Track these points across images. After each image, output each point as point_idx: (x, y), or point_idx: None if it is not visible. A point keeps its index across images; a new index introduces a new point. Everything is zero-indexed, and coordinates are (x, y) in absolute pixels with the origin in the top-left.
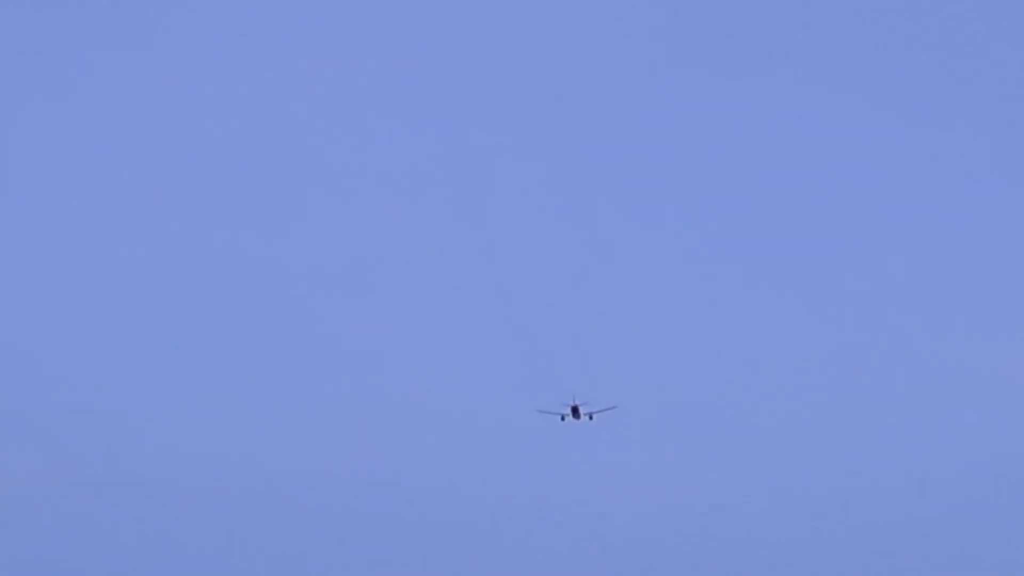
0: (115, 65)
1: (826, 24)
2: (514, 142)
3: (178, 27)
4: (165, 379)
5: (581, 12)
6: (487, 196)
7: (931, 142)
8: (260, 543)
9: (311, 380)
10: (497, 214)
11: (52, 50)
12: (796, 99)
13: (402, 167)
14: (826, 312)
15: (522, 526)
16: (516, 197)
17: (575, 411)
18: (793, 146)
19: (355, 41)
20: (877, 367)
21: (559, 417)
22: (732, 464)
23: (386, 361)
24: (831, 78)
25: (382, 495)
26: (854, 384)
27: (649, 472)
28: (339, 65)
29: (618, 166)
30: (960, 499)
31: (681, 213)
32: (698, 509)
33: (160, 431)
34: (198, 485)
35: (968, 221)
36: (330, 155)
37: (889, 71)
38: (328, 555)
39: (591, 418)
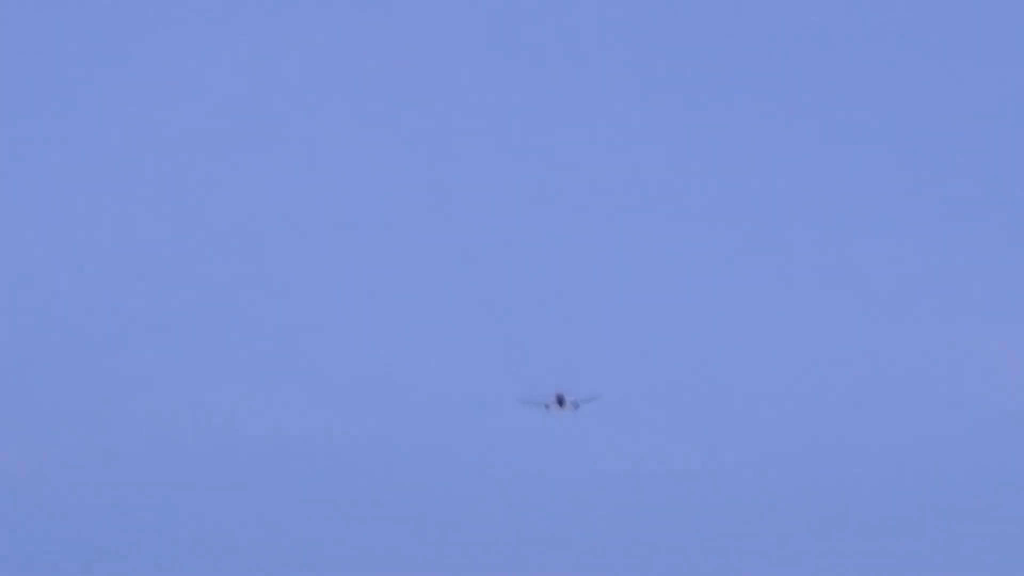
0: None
1: (818, 26)
2: (496, 131)
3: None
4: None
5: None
6: (471, 188)
7: (924, 135)
8: (248, 524)
9: (284, 370)
10: (481, 204)
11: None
12: (781, 87)
13: (385, 157)
14: (813, 300)
15: (511, 513)
16: (499, 188)
17: (560, 400)
18: (775, 133)
19: (332, 31)
20: (865, 354)
21: (543, 407)
22: (717, 451)
23: (369, 352)
24: (826, 73)
25: (361, 493)
26: (842, 373)
27: (632, 459)
28: (316, 55)
29: (599, 155)
30: (952, 490)
31: (662, 203)
32: (685, 499)
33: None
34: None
35: (967, 210)
36: (309, 145)
37: (886, 68)
38: (302, 546)
39: (576, 408)
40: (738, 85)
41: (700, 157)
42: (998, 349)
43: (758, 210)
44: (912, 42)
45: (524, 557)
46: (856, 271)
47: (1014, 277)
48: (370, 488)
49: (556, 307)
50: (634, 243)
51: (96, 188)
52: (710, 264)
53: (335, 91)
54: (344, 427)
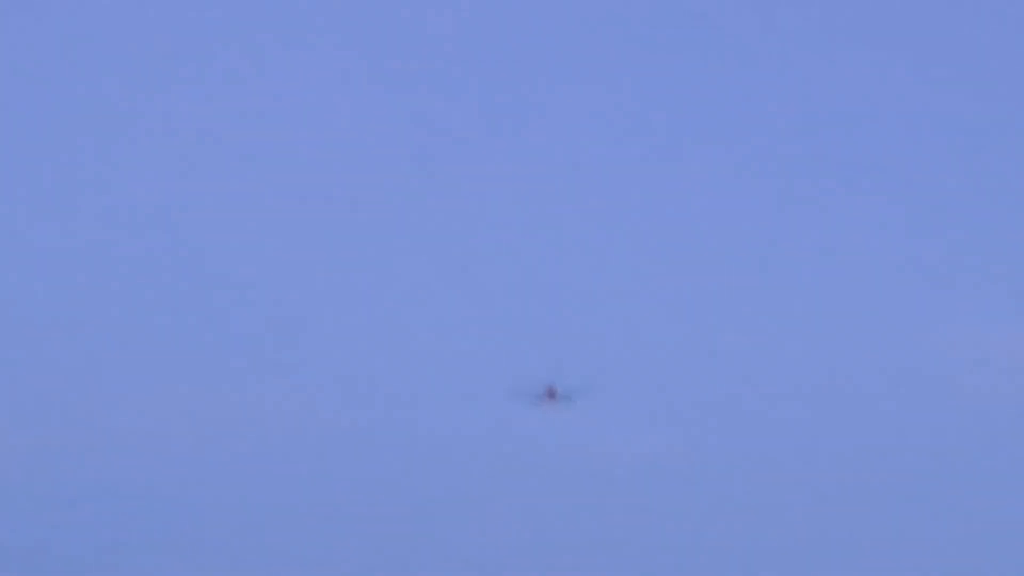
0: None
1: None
2: (487, 126)
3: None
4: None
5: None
6: (462, 181)
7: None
8: (240, 510)
9: (276, 361)
10: (473, 197)
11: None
12: (762, 71)
13: (376, 148)
14: (804, 291)
15: (501, 502)
16: (490, 179)
17: (551, 394)
18: (759, 123)
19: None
20: (854, 345)
21: (535, 399)
22: (708, 442)
23: (358, 345)
24: (817, 66)
25: (350, 482)
26: (830, 363)
27: (623, 449)
28: (304, 49)
29: (590, 146)
30: (939, 479)
31: (652, 195)
32: (675, 489)
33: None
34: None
35: (952, 202)
36: (301, 138)
37: (880, 63)
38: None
39: (567, 401)
40: (728, 78)
41: (686, 148)
42: (990, 341)
43: (745, 202)
44: (905, 39)
45: (515, 546)
46: (846, 262)
47: (1009, 270)
48: (359, 477)
49: (549, 300)
50: (626, 237)
51: (100, 179)
52: (702, 257)
53: (329, 84)
54: (334, 417)
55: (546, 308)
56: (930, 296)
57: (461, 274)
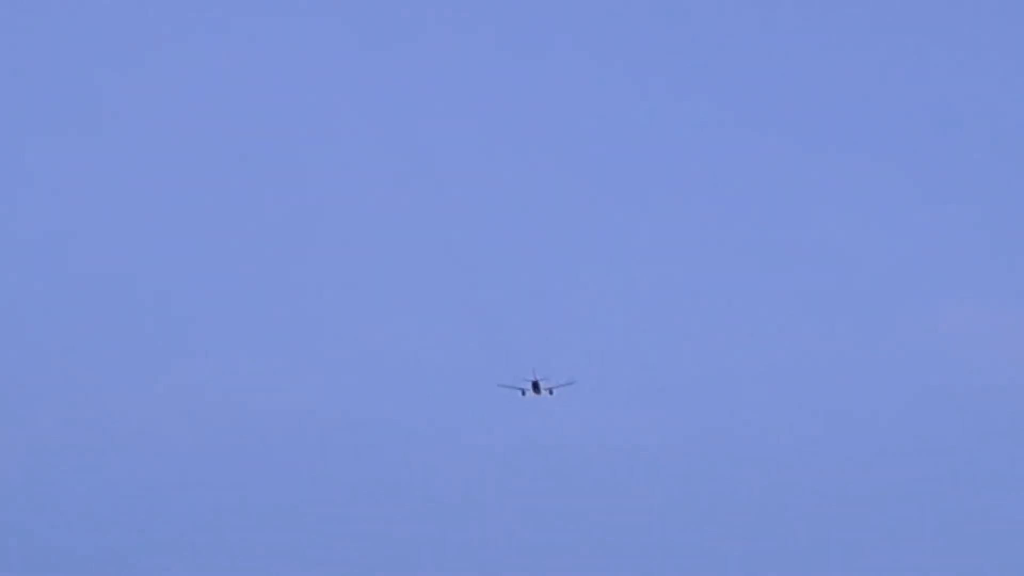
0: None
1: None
2: (476, 117)
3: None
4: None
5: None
6: (449, 174)
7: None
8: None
9: (273, 348)
10: (464, 196)
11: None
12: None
13: (367, 139)
14: (784, 282)
15: (487, 489)
16: (478, 173)
17: (535, 386)
18: (744, 121)
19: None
20: (837, 329)
21: (520, 392)
22: (690, 436)
23: (349, 337)
24: (809, 68)
25: (344, 468)
26: (818, 353)
27: (603, 438)
28: (297, 38)
29: (576, 141)
30: (929, 466)
31: (638, 188)
32: (655, 476)
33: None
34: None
35: (943, 183)
36: (295, 128)
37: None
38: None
39: (551, 393)
40: (720, 80)
41: (669, 147)
42: (987, 323)
43: (725, 195)
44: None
45: (501, 532)
46: (827, 250)
47: (984, 242)
48: (352, 463)
49: (534, 296)
50: (609, 235)
51: (128, 168)
52: (683, 251)
53: (329, 90)
54: (330, 405)
55: (531, 305)
56: (928, 279)
57: (455, 277)
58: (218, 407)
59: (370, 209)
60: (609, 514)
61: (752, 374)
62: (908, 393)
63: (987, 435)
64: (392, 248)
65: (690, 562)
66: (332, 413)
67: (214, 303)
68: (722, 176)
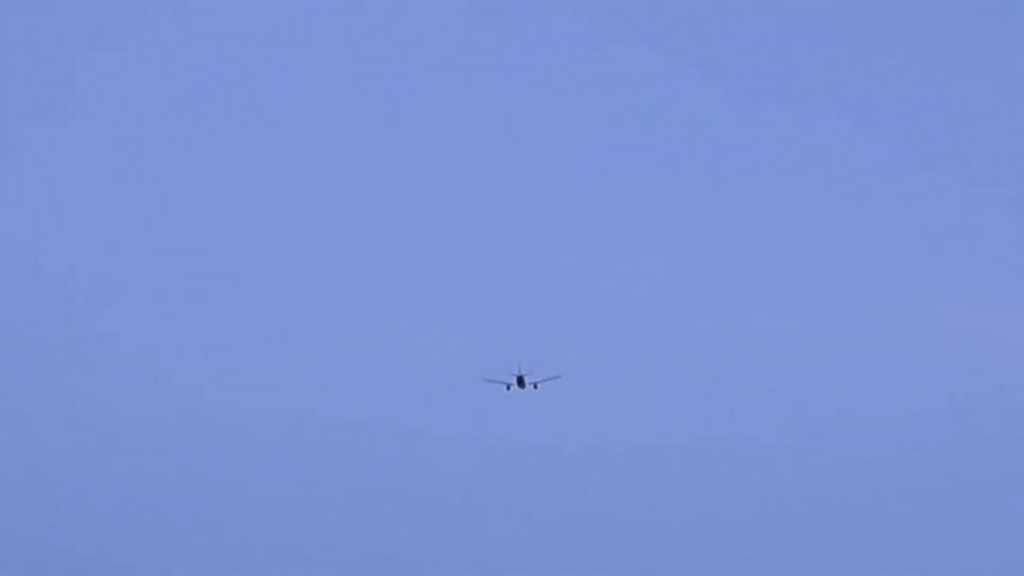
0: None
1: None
2: (467, 111)
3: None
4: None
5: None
6: (438, 168)
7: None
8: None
9: (261, 346)
10: (448, 185)
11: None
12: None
13: (357, 136)
14: (790, 277)
15: (474, 481)
16: (466, 168)
17: (520, 381)
18: (735, 110)
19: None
20: (840, 335)
21: (504, 386)
22: (690, 436)
23: (335, 330)
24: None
25: (333, 463)
26: (818, 352)
27: (587, 433)
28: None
29: (564, 138)
30: (925, 457)
31: (625, 185)
32: (638, 470)
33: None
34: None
35: (944, 183)
36: (285, 125)
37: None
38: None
39: (536, 387)
40: (720, 78)
41: (666, 147)
42: (973, 326)
43: (719, 190)
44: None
45: (500, 531)
46: (827, 250)
47: (984, 242)
48: (352, 463)
49: (520, 294)
50: (597, 229)
51: (90, 169)
52: (682, 251)
53: (318, 81)
54: (329, 405)
55: (522, 302)
56: (929, 279)
57: (444, 275)
58: (218, 407)
59: (368, 210)
60: (605, 513)
61: (751, 373)
62: (909, 393)
63: (988, 435)
64: (389, 248)
65: (689, 562)
66: (331, 413)
67: (214, 303)
68: (717, 171)
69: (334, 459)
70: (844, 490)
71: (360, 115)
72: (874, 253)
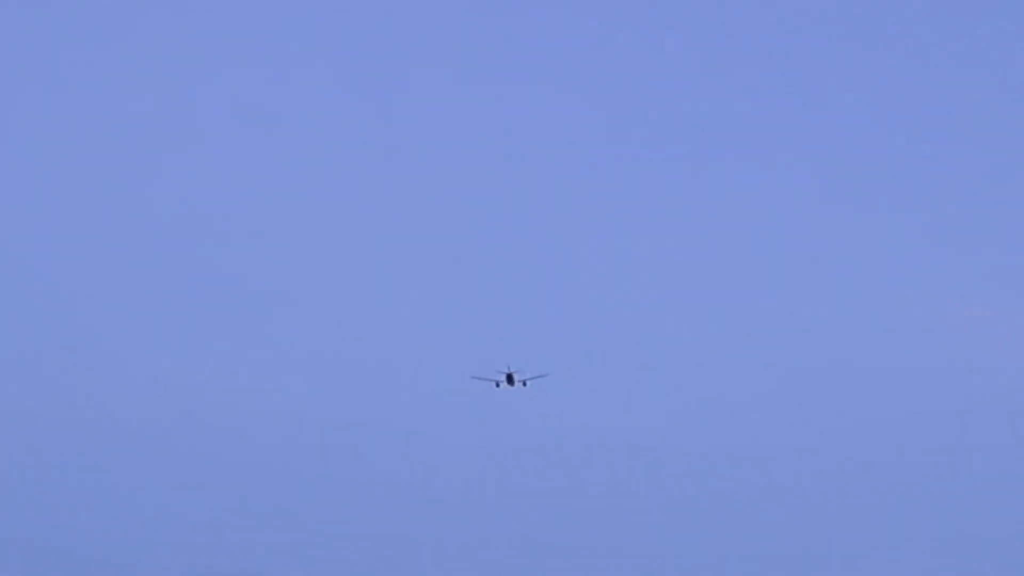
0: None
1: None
2: (460, 112)
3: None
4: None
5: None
6: (431, 168)
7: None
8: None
9: (253, 345)
10: (441, 184)
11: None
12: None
13: (352, 136)
14: (790, 276)
15: (463, 478)
16: (458, 167)
17: (509, 378)
18: (729, 105)
19: None
20: (840, 335)
21: (494, 384)
22: (670, 428)
23: (325, 328)
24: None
25: (326, 459)
26: (819, 352)
27: (574, 430)
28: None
29: (553, 133)
30: (920, 453)
31: (620, 183)
32: (626, 467)
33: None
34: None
35: (946, 183)
36: (283, 125)
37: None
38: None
39: (524, 384)
40: (719, 79)
41: (662, 145)
42: (977, 324)
43: (718, 189)
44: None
45: (481, 522)
46: (827, 249)
47: (973, 239)
48: (350, 463)
49: (509, 292)
50: (587, 225)
51: (84, 169)
52: (682, 251)
53: (315, 80)
54: (312, 400)
55: (506, 300)
56: (932, 278)
57: (435, 275)
58: (218, 407)
59: (361, 210)
60: (599, 511)
61: (749, 372)
62: (910, 393)
63: (989, 435)
64: (383, 247)
65: (686, 561)
66: (329, 413)
67: (214, 303)
68: (715, 171)
69: (329, 458)
70: (844, 490)
71: (356, 116)
72: (875, 252)
